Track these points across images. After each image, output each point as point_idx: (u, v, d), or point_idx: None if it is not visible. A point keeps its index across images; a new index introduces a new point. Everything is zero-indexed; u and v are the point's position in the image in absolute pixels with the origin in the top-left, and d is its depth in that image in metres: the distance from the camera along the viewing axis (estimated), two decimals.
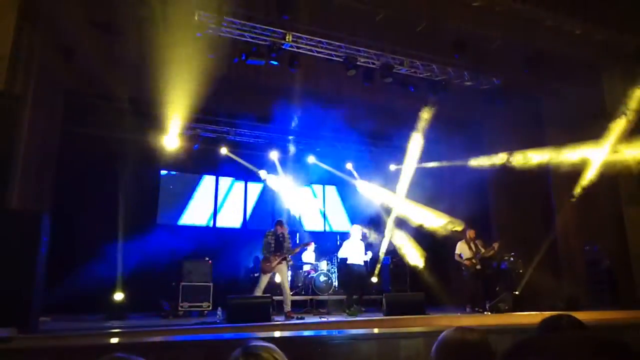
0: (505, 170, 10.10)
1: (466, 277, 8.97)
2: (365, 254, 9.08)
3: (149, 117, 10.00)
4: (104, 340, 4.15)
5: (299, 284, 10.31)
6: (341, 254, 9.22)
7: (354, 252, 8.94)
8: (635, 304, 7.81)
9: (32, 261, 4.86)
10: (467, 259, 8.91)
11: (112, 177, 9.42)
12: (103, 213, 9.12)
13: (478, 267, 8.84)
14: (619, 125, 8.65)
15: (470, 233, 9.17)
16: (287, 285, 8.10)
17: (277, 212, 11.96)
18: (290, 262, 8.55)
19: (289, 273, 9.23)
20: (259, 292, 7.73)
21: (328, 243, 11.40)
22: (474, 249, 8.96)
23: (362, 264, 9.01)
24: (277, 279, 8.16)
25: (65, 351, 3.43)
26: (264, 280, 7.93)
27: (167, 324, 6.86)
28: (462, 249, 9.09)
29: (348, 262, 8.96)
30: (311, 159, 12.23)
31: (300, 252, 10.91)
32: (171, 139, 10.24)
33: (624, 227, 8.64)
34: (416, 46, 8.88)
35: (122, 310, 7.34)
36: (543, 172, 9.78)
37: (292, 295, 10.08)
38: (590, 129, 8.88)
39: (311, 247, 11.01)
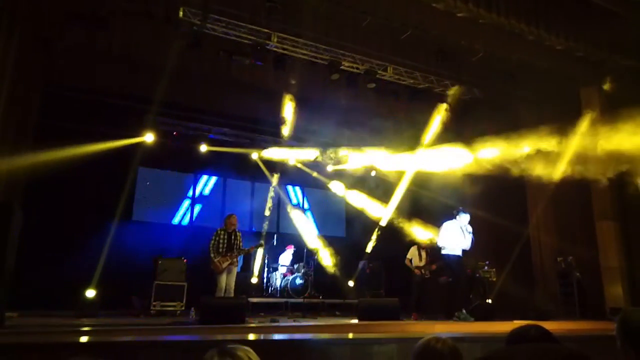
0: (481, 178, 10.16)
1: (413, 283, 8.84)
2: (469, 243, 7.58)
3: (128, 112, 9.86)
4: (74, 338, 4.06)
5: (275, 287, 10.25)
6: (440, 241, 7.64)
7: (454, 240, 7.46)
8: (603, 315, 8.01)
9: None
10: (416, 267, 8.84)
11: (88, 171, 9.24)
12: (77, 207, 8.94)
13: (427, 276, 8.78)
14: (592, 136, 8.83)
15: (424, 241, 9.18)
16: (232, 287, 7.71)
17: (257, 212, 11.91)
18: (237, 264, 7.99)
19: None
20: (220, 293, 7.52)
21: (304, 246, 11.35)
22: (424, 257, 8.92)
23: (461, 254, 7.54)
24: (224, 280, 7.66)
25: (32, 349, 3.34)
26: (222, 280, 7.62)
27: (139, 323, 6.74)
28: (413, 255, 9.01)
29: (443, 252, 7.58)
30: (293, 161, 12.19)
31: (279, 253, 10.84)
32: (150, 134, 10.12)
33: (596, 241, 8.85)
34: (400, 53, 8.96)
35: (93, 307, 7.17)
36: (519, 182, 9.91)
37: (267, 297, 10.04)
38: (567, 139, 9.04)
39: (290, 250, 10.95)
